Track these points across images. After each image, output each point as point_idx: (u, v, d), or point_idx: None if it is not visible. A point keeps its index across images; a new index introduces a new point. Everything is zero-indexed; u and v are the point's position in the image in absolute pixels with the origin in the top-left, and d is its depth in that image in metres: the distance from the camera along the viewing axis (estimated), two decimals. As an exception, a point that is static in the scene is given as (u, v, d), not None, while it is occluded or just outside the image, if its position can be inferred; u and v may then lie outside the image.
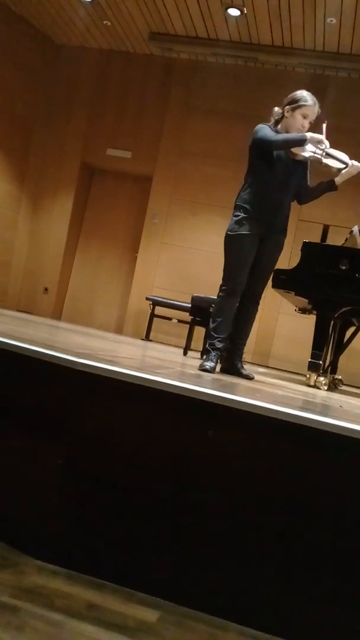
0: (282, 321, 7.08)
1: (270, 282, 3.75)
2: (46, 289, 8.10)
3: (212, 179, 7.38)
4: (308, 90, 3.26)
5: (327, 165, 3.24)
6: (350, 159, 3.28)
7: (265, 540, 1.61)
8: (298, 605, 1.57)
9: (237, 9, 6.47)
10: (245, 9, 6.44)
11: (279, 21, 6.56)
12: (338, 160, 3.24)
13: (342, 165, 3.24)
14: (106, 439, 1.77)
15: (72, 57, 8.11)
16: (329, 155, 3.22)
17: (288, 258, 5.44)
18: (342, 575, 1.56)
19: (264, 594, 1.60)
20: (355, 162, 3.27)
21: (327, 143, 3.16)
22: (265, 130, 3.19)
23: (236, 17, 6.65)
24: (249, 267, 3.26)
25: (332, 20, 6.28)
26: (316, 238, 4.89)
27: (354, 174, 3.27)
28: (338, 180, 3.28)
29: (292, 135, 3.18)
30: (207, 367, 3.07)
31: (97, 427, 1.78)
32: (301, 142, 3.12)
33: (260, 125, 3.23)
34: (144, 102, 7.88)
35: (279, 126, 3.29)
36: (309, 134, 3.13)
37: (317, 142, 3.12)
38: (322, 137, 3.15)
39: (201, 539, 1.65)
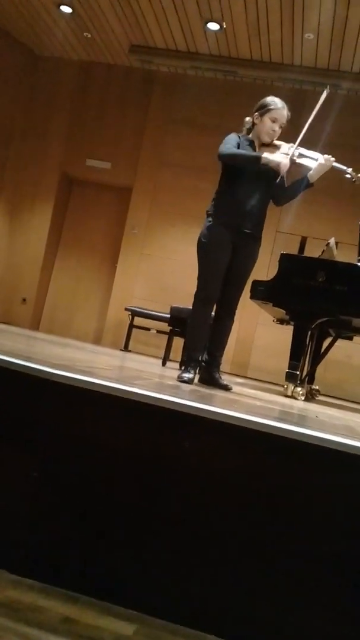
0: (260, 332, 7.12)
1: (248, 293, 3.78)
2: (24, 300, 8.05)
3: (191, 190, 7.42)
4: (286, 103, 3.28)
5: (300, 165, 3.27)
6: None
7: (242, 551, 1.61)
8: (276, 615, 1.57)
9: (217, 23, 6.55)
10: (224, 23, 6.53)
11: (257, 36, 6.66)
12: (309, 158, 3.28)
13: (314, 163, 3.27)
14: (83, 451, 1.76)
15: (52, 68, 8.13)
16: (301, 155, 3.26)
17: (266, 269, 5.48)
18: (321, 583, 1.57)
19: (241, 605, 1.59)
20: (325, 156, 3.28)
21: (285, 161, 3.14)
22: (229, 141, 3.19)
23: (215, 31, 6.73)
24: (222, 274, 3.24)
25: (309, 36, 6.40)
26: (294, 249, 4.95)
27: (327, 167, 3.27)
28: (313, 175, 3.25)
29: (247, 154, 3.17)
30: (185, 378, 3.07)
31: (74, 439, 1.77)
32: (252, 163, 3.11)
33: (228, 136, 3.23)
34: (124, 113, 7.91)
35: (251, 134, 3.30)
36: (266, 155, 3.10)
37: (275, 165, 3.11)
38: (278, 160, 3.11)
39: (178, 550, 1.65)
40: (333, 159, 3.29)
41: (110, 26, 7.11)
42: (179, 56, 7.47)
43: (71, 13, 6.97)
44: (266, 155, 3.12)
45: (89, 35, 7.39)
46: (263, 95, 3.39)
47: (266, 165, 3.12)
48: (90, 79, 8.08)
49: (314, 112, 3.26)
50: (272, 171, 3.19)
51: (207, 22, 6.60)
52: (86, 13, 6.91)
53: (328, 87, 3.28)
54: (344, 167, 3.41)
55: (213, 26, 6.63)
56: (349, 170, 3.45)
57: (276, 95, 3.34)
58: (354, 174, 3.46)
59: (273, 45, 6.78)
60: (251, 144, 3.27)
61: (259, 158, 3.11)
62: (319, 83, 7.01)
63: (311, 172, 3.26)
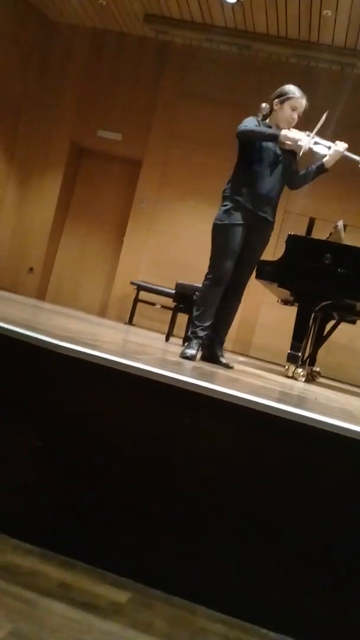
0: (264, 312, 7.12)
1: (254, 273, 3.78)
2: (31, 269, 8.06)
3: (201, 166, 7.36)
4: (300, 81, 3.29)
5: (316, 153, 3.29)
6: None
7: (238, 527, 1.65)
8: (265, 589, 1.62)
9: (234, -5, 6.43)
10: (242, -5, 6.41)
11: (275, 10, 6.53)
12: (323, 145, 3.31)
13: (328, 150, 3.30)
14: (85, 423, 1.79)
15: (66, 35, 8.01)
16: (316, 143, 3.28)
17: (273, 249, 5.45)
18: (308, 560, 1.61)
19: (232, 578, 1.64)
20: (339, 142, 3.31)
21: (306, 139, 3.18)
22: (249, 121, 3.23)
23: (232, 3, 6.60)
24: (235, 257, 3.28)
25: (327, 13, 6.27)
26: (302, 230, 4.92)
27: (341, 154, 3.30)
28: (329, 161, 3.31)
29: (265, 130, 3.22)
30: (188, 354, 3.10)
31: (76, 411, 1.80)
32: (271, 139, 3.17)
33: (247, 118, 3.26)
34: (137, 84, 7.81)
35: (268, 120, 3.33)
36: (286, 133, 3.16)
37: (294, 142, 3.15)
38: (299, 136, 3.17)
39: (173, 522, 1.69)
40: (346, 145, 3.31)
41: (125, -6, 6.99)
42: (194, 27, 7.34)
43: (87, -21, 6.84)
44: (285, 132, 3.17)
45: (104, 3, 7.26)
46: (277, 71, 3.38)
47: (284, 144, 3.17)
48: (103, 47, 7.96)
49: (318, 127, 3.26)
50: (289, 153, 3.25)
51: (224, -6, 6.48)
52: (102, -20, 6.79)
53: (328, 111, 3.28)
54: (358, 158, 3.38)
55: (230, -2, 6.51)
56: None
57: (289, 73, 3.32)
58: None
59: (290, 21, 6.65)
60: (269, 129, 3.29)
61: (276, 134, 3.16)
62: (335, 62, 6.91)
63: (327, 158, 3.30)
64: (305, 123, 3.36)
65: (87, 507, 1.75)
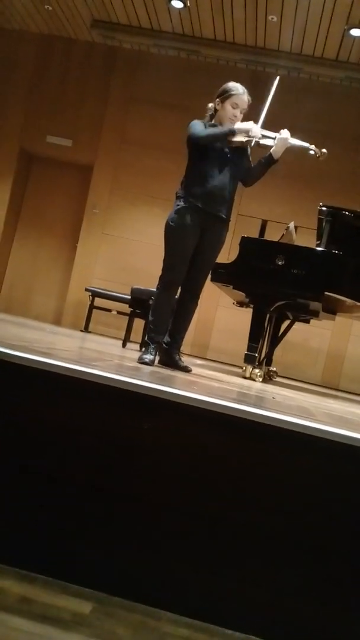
0: (221, 314, 7.17)
1: (209, 276, 3.80)
2: (-18, 278, 7.90)
3: (152, 170, 7.37)
4: (249, 85, 3.30)
5: (264, 145, 3.28)
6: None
7: (200, 530, 1.65)
8: (229, 590, 1.61)
9: (181, 1, 6.47)
10: (188, 1, 6.46)
11: (221, 16, 6.61)
12: (269, 137, 3.30)
13: (274, 140, 3.29)
14: (42, 433, 1.75)
15: (11, 40, 7.90)
16: (264, 136, 3.27)
17: (227, 252, 5.50)
18: (270, 559, 1.62)
19: (194, 581, 1.63)
20: (283, 130, 3.31)
21: (256, 127, 3.20)
22: (196, 126, 3.21)
23: (179, 9, 6.65)
24: (188, 259, 3.26)
25: (273, 18, 6.38)
26: (254, 233, 4.98)
27: (286, 141, 3.29)
28: (277, 151, 3.29)
29: (219, 130, 3.22)
30: (145, 359, 3.08)
31: (33, 421, 1.77)
32: (228, 136, 3.18)
33: (193, 122, 3.25)
34: (85, 90, 7.78)
35: (214, 120, 3.32)
36: (235, 126, 3.18)
37: (246, 132, 3.17)
38: (249, 126, 3.18)
39: (133, 528, 1.67)
40: (288, 133, 3.31)
41: (72, -1, 6.95)
42: (142, 33, 7.36)
43: (31, -16, 6.77)
44: (238, 125, 3.18)
45: (50, 8, 7.20)
46: (226, 76, 3.40)
47: (236, 142, 3.18)
48: (51, 52, 7.89)
49: (269, 98, 3.31)
50: (238, 150, 3.24)
51: (171, 0, 6.51)
52: (47, -16, 6.73)
53: (278, 77, 3.31)
54: (306, 144, 3.38)
55: (177, 4, 6.55)
56: (312, 146, 3.38)
57: (238, 77, 3.35)
58: (317, 149, 3.37)
59: (237, 26, 6.75)
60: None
61: (232, 130, 3.16)
62: (282, 66, 7.03)
63: (274, 148, 3.29)
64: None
65: (44, 518, 1.71)
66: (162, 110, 7.42)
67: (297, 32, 6.56)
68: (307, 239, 4.87)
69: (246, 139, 3.19)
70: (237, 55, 7.11)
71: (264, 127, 3.31)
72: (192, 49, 7.32)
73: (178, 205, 3.24)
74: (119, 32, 7.41)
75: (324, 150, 3.35)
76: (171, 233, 3.24)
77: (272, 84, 3.34)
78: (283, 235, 4.58)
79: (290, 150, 3.37)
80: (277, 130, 3.32)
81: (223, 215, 3.30)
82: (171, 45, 7.36)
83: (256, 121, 3.30)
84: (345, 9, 5.98)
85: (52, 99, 7.81)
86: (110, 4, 6.90)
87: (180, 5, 6.55)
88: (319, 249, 4.18)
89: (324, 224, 4.22)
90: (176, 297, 3.41)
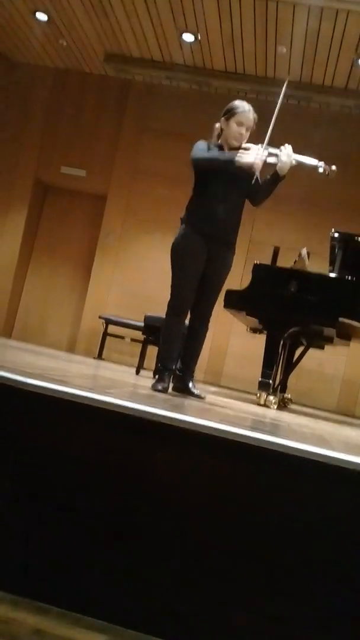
0: (234, 340, 7.15)
1: (222, 302, 3.80)
2: (-4, 306, 7.97)
3: (164, 199, 7.44)
4: (259, 115, 3.23)
5: (272, 165, 3.15)
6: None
7: (215, 562, 1.62)
8: (247, 629, 1.58)
9: (192, 34, 6.61)
10: (199, 34, 6.59)
11: (232, 48, 6.74)
12: (274, 154, 3.16)
13: (277, 158, 3.14)
14: (55, 461, 1.75)
15: (27, 75, 8.10)
16: (270, 154, 3.14)
17: (240, 278, 5.53)
18: (302, 594, 1.59)
19: (213, 616, 1.60)
20: (284, 146, 3.15)
21: (259, 158, 3.04)
22: (198, 146, 3.16)
23: (190, 42, 6.79)
24: (195, 283, 3.22)
25: (282, 49, 6.49)
26: (267, 259, 4.98)
27: (290, 157, 3.12)
28: (282, 168, 3.12)
29: (220, 156, 3.13)
30: (159, 387, 3.07)
31: (47, 449, 1.76)
32: (228, 165, 3.04)
33: (197, 142, 3.20)
34: (99, 121, 7.92)
35: (220, 140, 3.26)
36: (237, 158, 3.02)
37: (248, 167, 3.03)
38: (251, 160, 3.02)
39: (148, 560, 1.65)
40: (290, 147, 3.16)
41: (85, 34, 7.12)
42: (154, 66, 7.51)
43: (47, 20, 6.96)
44: (238, 157, 3.03)
45: (65, 43, 7.39)
46: (237, 106, 3.39)
47: (241, 167, 3.05)
48: (65, 86, 8.07)
49: (279, 103, 3.19)
50: (245, 174, 3.11)
51: (182, 33, 6.66)
52: (62, 21, 6.91)
53: (287, 80, 3.23)
54: (314, 161, 3.19)
55: (188, 37, 6.69)
56: (320, 163, 3.18)
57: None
58: (327, 167, 3.17)
59: (247, 58, 6.87)
60: (220, 149, 3.23)
61: (232, 160, 3.03)
62: (292, 96, 7.12)
63: (278, 164, 3.13)
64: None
65: (58, 549, 1.70)
66: (174, 140, 7.51)
67: (306, 62, 6.66)
68: (320, 265, 4.88)
69: (251, 164, 3.03)
70: (248, 85, 7.22)
71: (273, 134, 3.17)
72: (203, 81, 7.45)
73: (183, 229, 3.21)
74: (131, 65, 7.57)
75: (333, 167, 3.16)
76: (176, 258, 3.22)
77: (281, 89, 3.23)
78: (296, 261, 4.59)
79: (301, 171, 3.25)
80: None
81: (229, 239, 3.26)
82: (183, 77, 7.50)
83: (266, 130, 3.19)
84: (354, 39, 6.07)
85: (67, 130, 7.97)
86: (123, 37, 7.06)
87: (191, 38, 6.69)
88: (331, 274, 4.18)
89: (336, 250, 4.24)
90: (186, 323, 3.40)
